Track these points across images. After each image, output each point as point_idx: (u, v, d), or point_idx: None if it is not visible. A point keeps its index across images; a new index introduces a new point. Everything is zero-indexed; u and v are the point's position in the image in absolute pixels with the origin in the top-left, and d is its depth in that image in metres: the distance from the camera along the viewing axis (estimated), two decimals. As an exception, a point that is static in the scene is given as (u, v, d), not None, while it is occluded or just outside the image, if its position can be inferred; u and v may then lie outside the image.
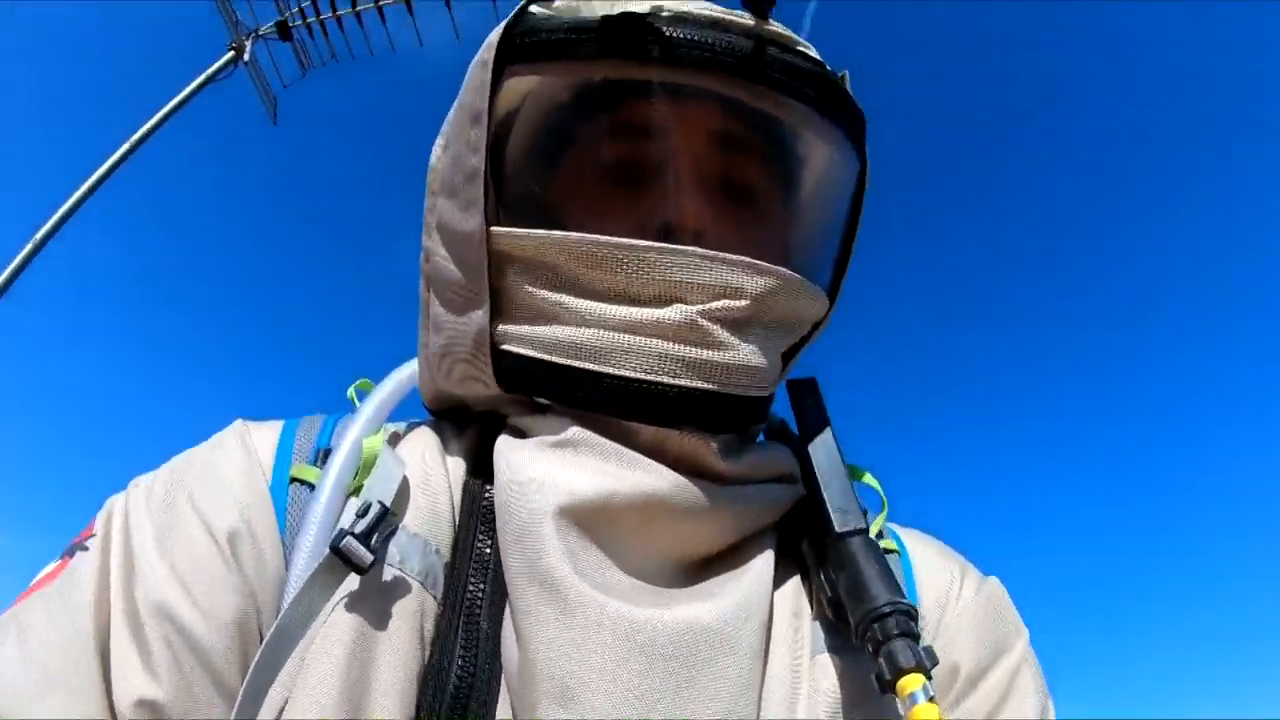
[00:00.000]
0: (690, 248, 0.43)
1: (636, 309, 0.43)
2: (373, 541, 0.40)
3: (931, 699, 0.37)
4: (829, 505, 0.46)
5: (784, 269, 0.45)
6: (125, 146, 5.29)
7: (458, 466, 0.48)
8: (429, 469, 0.47)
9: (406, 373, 0.56)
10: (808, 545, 0.48)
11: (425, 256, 0.53)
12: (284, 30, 5.92)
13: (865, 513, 0.50)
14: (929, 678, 0.37)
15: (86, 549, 0.44)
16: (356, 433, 0.48)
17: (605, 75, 0.47)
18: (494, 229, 0.45)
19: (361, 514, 0.41)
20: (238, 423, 0.51)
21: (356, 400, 0.53)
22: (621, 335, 0.43)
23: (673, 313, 0.42)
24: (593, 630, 0.38)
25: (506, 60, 0.46)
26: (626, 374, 0.42)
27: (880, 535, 0.52)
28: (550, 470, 0.42)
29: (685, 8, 0.46)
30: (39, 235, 4.73)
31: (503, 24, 0.47)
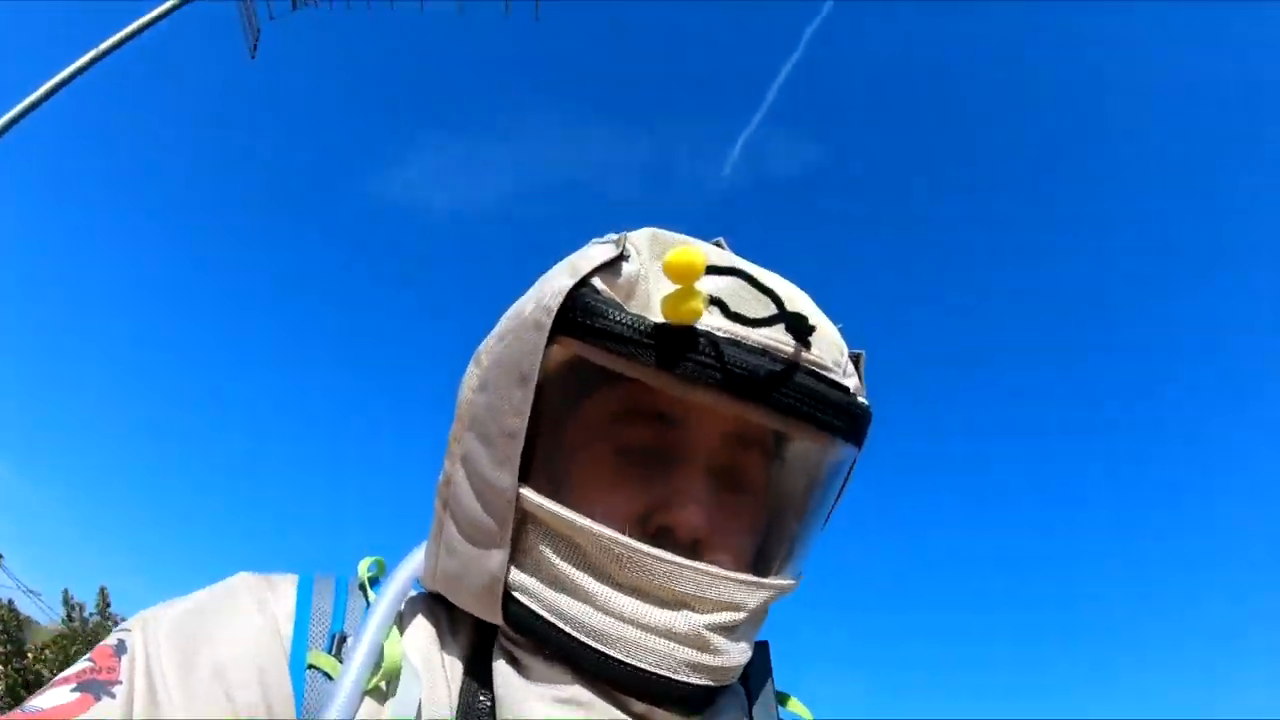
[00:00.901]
0: (705, 566, 0.50)
1: (647, 608, 0.49)
2: None
3: None
4: None
5: (779, 580, 0.55)
6: (90, 54, 5.18)
7: (455, 667, 0.55)
8: (434, 675, 0.53)
9: (415, 562, 0.61)
10: None
11: (445, 480, 0.58)
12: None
13: None
14: None
15: (114, 696, 0.46)
16: (374, 634, 0.52)
17: (657, 383, 0.51)
18: (524, 491, 0.51)
19: None
20: (250, 579, 0.56)
21: (368, 587, 0.57)
22: (630, 629, 0.49)
23: (681, 621, 0.49)
24: None
25: (560, 329, 0.50)
26: (637, 664, 0.49)
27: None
28: None
29: (737, 330, 0.50)
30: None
31: (562, 291, 0.49)
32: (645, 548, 0.49)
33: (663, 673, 0.49)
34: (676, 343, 0.48)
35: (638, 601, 0.49)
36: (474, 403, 0.55)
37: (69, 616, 17.58)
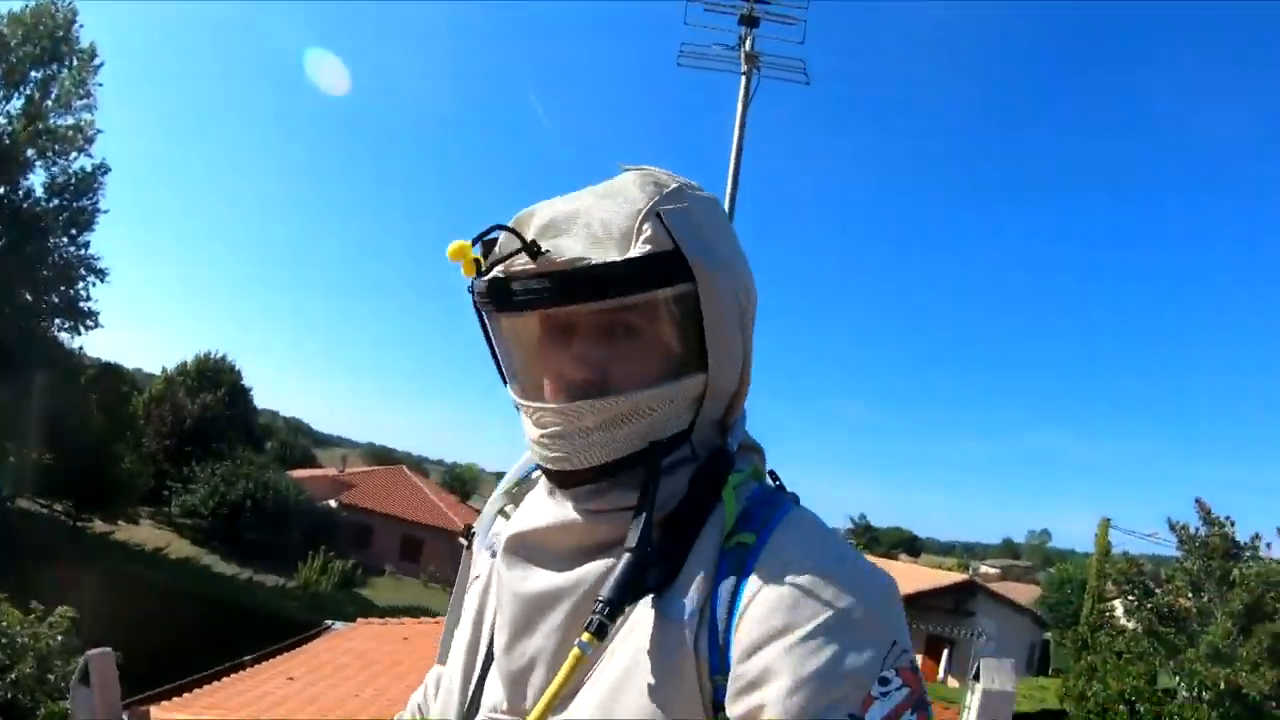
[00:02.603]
0: (538, 403, 0.79)
1: (534, 431, 0.80)
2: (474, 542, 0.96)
3: (582, 647, 0.68)
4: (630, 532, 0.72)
5: (589, 401, 0.76)
6: None
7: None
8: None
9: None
10: None
11: None
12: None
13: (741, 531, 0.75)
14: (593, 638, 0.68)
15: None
16: (500, 490, 0.96)
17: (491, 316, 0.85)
18: (508, 387, 0.86)
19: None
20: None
21: None
22: (532, 444, 0.81)
23: (536, 432, 0.80)
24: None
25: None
26: (541, 464, 0.82)
27: (734, 533, 0.74)
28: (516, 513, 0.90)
29: (504, 269, 0.78)
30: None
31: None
32: (525, 402, 0.81)
33: (539, 463, 0.81)
34: (472, 293, 0.81)
35: (530, 427, 0.81)
36: None
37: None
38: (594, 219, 0.76)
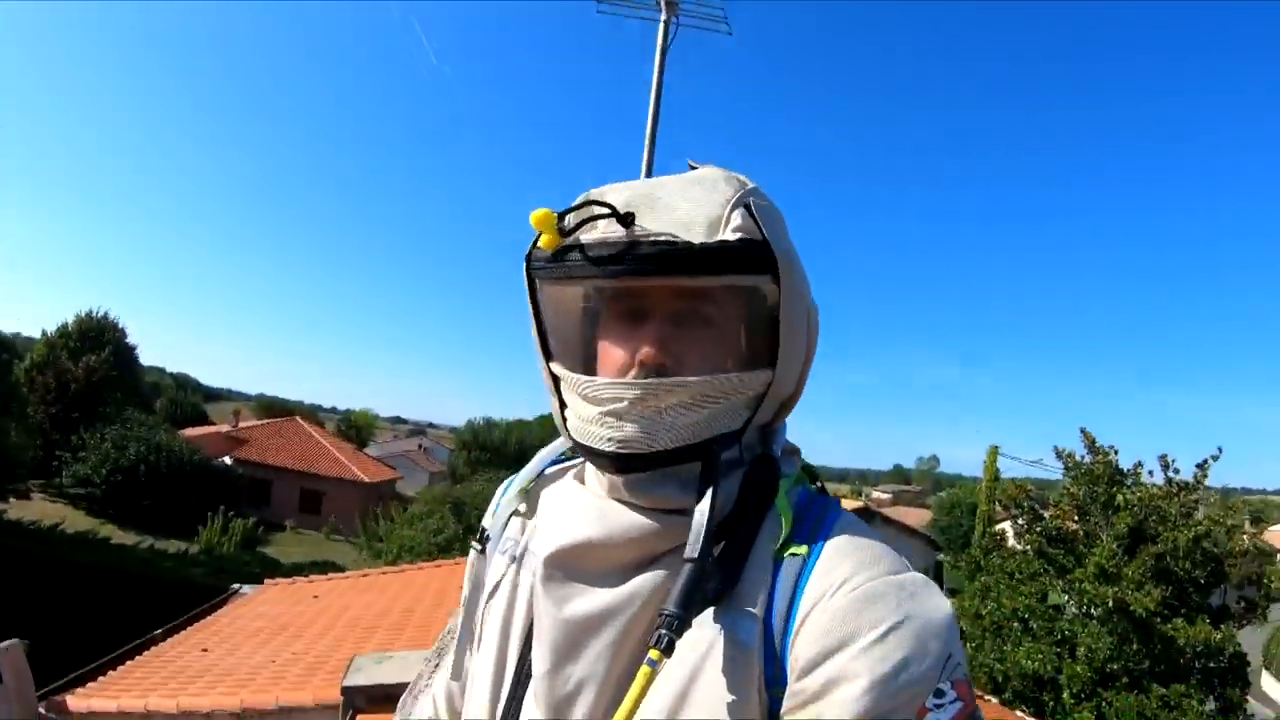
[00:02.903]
0: (606, 379, 0.77)
1: (586, 407, 0.78)
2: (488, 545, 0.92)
3: (652, 665, 0.64)
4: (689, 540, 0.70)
5: (662, 379, 0.75)
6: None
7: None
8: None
9: (556, 441, 0.95)
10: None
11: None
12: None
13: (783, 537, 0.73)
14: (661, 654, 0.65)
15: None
16: (519, 484, 0.94)
17: (566, 286, 0.84)
18: (552, 365, 0.85)
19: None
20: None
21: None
22: (582, 424, 0.79)
23: (593, 411, 0.77)
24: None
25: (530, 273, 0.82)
26: (589, 445, 0.78)
27: (788, 544, 0.73)
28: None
29: (583, 238, 0.76)
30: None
31: (526, 256, 0.82)
32: (583, 377, 0.80)
33: (592, 444, 0.77)
34: (553, 260, 0.78)
35: (586, 406, 0.78)
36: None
37: None
38: (678, 203, 0.75)
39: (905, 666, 0.63)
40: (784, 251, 0.76)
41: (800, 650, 0.67)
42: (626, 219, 0.74)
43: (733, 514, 0.75)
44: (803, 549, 0.72)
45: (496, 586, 0.89)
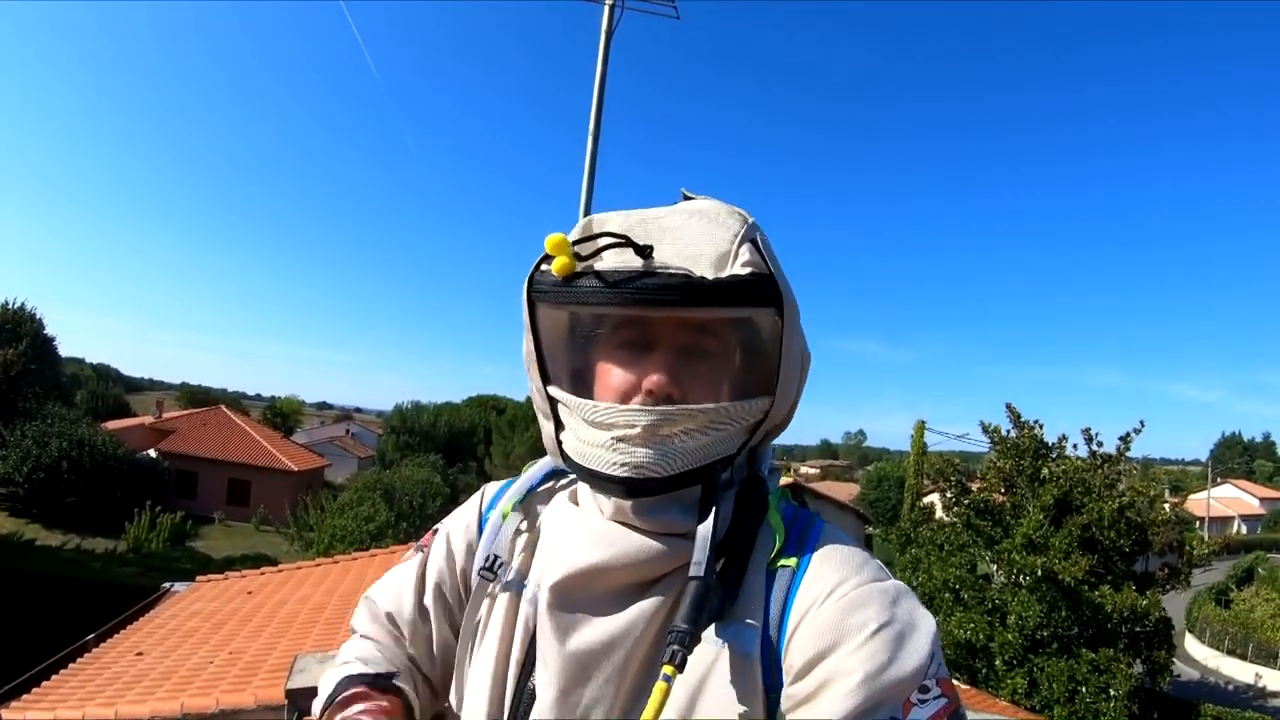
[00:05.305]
0: (615, 405, 0.78)
1: (594, 432, 0.79)
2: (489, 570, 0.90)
3: (668, 680, 0.66)
4: (693, 559, 0.74)
5: (672, 407, 0.76)
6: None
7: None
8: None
9: (542, 460, 0.98)
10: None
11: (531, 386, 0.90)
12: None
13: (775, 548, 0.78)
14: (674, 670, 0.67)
15: (425, 550, 0.99)
16: (509, 502, 0.94)
17: (583, 312, 0.83)
18: (549, 388, 0.86)
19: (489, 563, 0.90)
20: (483, 488, 1.02)
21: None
22: (590, 448, 0.79)
23: (602, 437, 0.78)
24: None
25: (531, 297, 0.83)
26: (594, 469, 0.79)
27: (779, 556, 0.78)
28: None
29: (598, 266, 0.77)
30: None
31: (527, 279, 0.83)
32: (593, 403, 0.80)
33: (601, 469, 0.78)
34: (565, 286, 0.78)
35: (594, 431, 0.80)
36: (525, 358, 0.88)
37: None
38: (685, 236, 0.78)
39: (893, 663, 0.68)
40: (786, 285, 0.80)
41: (794, 655, 0.72)
42: (645, 251, 0.76)
43: (731, 531, 0.79)
44: (792, 561, 0.78)
45: (491, 612, 0.90)
